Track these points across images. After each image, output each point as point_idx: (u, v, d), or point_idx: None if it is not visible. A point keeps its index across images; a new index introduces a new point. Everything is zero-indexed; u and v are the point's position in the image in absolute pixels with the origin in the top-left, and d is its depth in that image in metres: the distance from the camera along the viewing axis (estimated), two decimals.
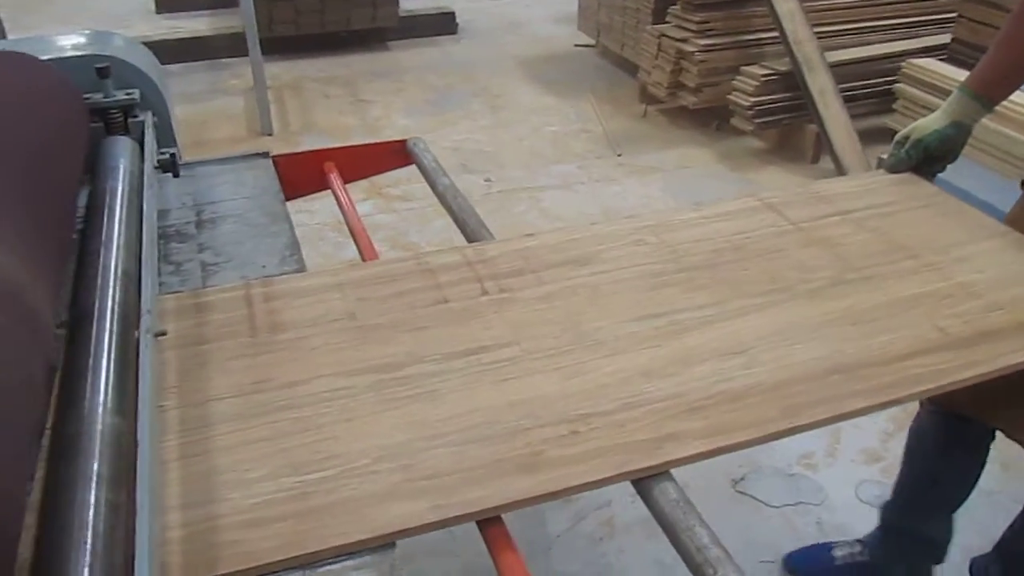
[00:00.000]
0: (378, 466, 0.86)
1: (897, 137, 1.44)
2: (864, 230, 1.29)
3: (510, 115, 4.41)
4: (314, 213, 3.33)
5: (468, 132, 4.21)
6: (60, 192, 1.15)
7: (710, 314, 1.10)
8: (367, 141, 1.75)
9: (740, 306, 1.12)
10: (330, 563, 0.77)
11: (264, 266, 1.22)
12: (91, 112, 1.43)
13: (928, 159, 1.42)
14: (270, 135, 4.14)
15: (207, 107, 4.61)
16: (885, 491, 2.04)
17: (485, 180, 3.69)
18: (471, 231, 1.34)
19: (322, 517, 0.80)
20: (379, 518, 0.80)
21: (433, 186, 1.51)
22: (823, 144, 3.45)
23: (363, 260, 1.33)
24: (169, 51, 5.30)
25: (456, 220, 1.40)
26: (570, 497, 1.20)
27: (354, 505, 0.82)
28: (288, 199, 1.60)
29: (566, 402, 0.94)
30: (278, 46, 5.31)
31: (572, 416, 0.92)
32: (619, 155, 3.85)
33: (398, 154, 1.66)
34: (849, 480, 2.07)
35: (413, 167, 1.64)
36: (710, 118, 4.05)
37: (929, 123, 1.40)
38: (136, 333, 0.94)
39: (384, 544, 0.78)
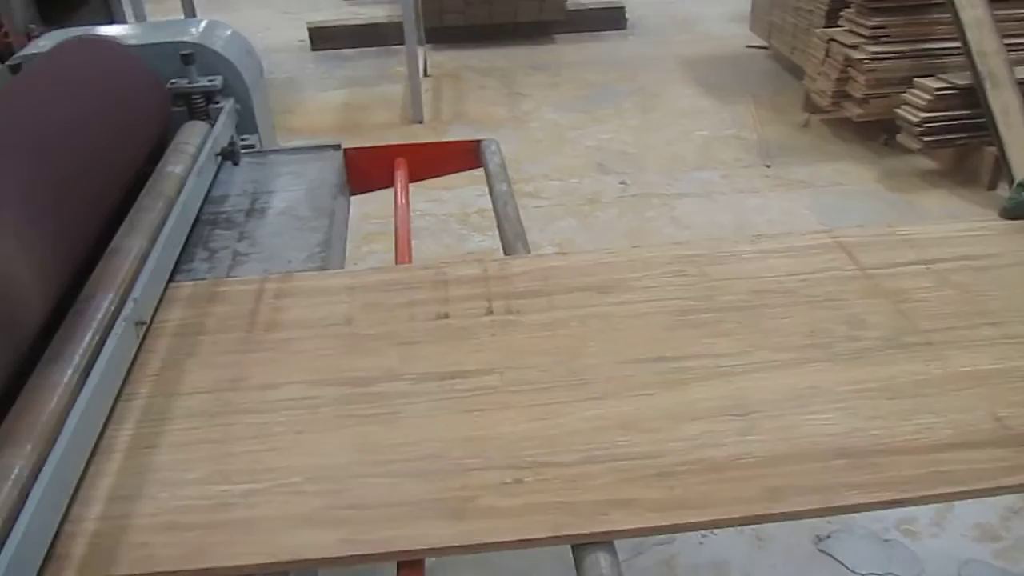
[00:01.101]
0: (307, 487, 0.83)
1: (1020, 178, 1.22)
2: (946, 285, 1.09)
3: (662, 116, 4.25)
4: (444, 203, 3.37)
5: (614, 132, 4.10)
6: (108, 171, 1.20)
7: (726, 365, 0.97)
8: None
9: (762, 360, 0.98)
10: None
11: (290, 261, 1.23)
12: (176, 97, 1.51)
13: None
14: (420, 123, 4.24)
15: (371, 92, 4.80)
16: None
17: (620, 183, 3.58)
18: (508, 243, 1.28)
19: (232, 532, 0.78)
20: (286, 543, 0.77)
21: (491, 189, 1.47)
22: (1002, 169, 3.03)
23: (396, 263, 1.30)
24: (347, 36, 5.60)
25: (499, 229, 1.34)
26: None
27: (268, 525, 0.79)
28: (357, 193, 1.62)
29: (524, 445, 0.87)
30: (446, 36, 5.43)
31: (524, 462, 0.84)
32: (767, 166, 3.60)
33: (470, 154, 1.62)
34: (954, 556, 1.80)
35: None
36: (879, 132, 3.69)
37: None
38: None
39: (278, 573, 0.75)
